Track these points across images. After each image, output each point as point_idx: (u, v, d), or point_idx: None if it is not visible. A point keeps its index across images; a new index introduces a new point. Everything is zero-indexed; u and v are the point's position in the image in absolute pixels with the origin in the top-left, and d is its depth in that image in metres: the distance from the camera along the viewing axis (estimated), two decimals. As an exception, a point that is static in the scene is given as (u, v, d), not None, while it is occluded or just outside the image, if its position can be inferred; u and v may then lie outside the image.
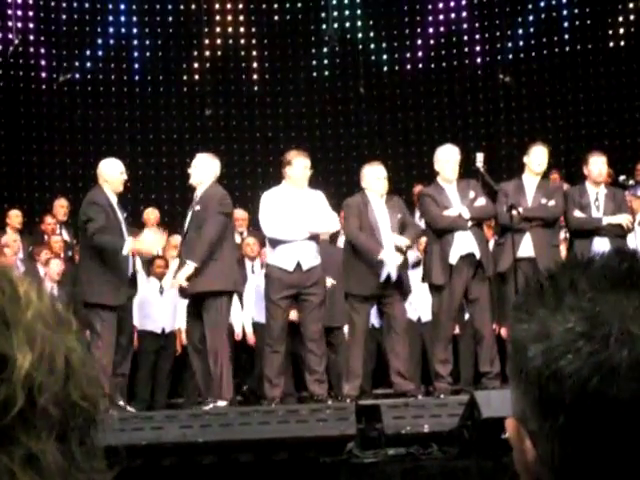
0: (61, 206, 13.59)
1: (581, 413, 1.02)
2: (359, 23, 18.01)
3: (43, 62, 17.23)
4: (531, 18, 17.51)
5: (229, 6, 18.06)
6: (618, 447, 1.01)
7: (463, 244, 9.59)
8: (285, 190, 9.75)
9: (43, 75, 17.25)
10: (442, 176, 9.86)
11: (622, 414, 1.00)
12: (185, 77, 17.88)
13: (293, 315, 10.05)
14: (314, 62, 18.05)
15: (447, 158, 9.84)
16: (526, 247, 9.65)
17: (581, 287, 1.06)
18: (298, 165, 9.70)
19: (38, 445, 0.91)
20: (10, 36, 16.89)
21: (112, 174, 9.67)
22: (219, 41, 17.98)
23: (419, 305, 11.43)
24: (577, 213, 9.99)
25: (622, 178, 13.60)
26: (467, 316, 10.39)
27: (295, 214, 9.51)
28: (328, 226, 9.96)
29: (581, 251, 9.57)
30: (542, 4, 17.54)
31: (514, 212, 9.51)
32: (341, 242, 11.18)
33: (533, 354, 1.06)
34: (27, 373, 0.91)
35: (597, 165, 10.17)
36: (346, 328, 10.57)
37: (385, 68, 17.98)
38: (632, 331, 1.01)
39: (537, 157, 10.01)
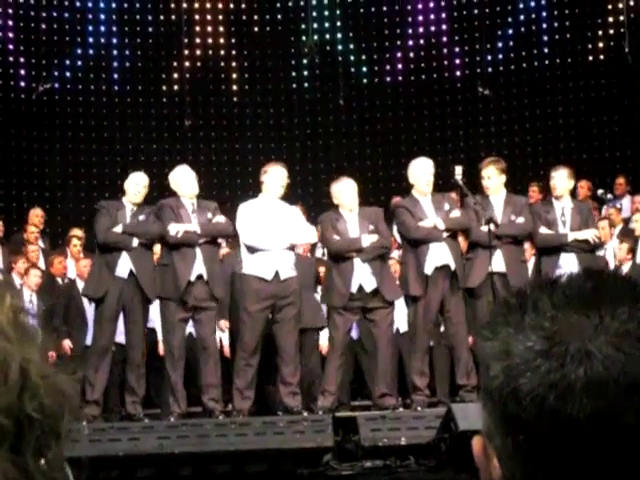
0: (36, 215, 13.54)
1: (539, 431, 1.02)
2: (339, 35, 18.04)
3: (22, 71, 17.14)
4: (511, 31, 17.57)
5: (209, 17, 18.06)
6: (576, 466, 1.01)
7: (438, 255, 9.61)
8: (262, 201, 9.78)
9: (22, 84, 17.17)
10: (416, 189, 9.90)
11: (578, 433, 1.00)
12: (164, 87, 17.83)
13: None
14: (294, 73, 18.06)
15: (422, 171, 9.88)
16: (497, 263, 9.65)
17: (543, 306, 1.06)
18: (274, 173, 9.77)
19: None
20: (-11, 45, 16.82)
21: (127, 186, 10.13)
22: (199, 52, 17.96)
23: (396, 316, 11.39)
24: (543, 230, 9.92)
25: (601, 192, 13.64)
26: (442, 329, 10.38)
27: (274, 224, 9.52)
28: (307, 237, 10.01)
29: (548, 267, 9.63)
30: (522, 17, 17.61)
31: (492, 226, 9.51)
32: (318, 254, 11.17)
33: (495, 372, 1.06)
34: None
35: (554, 180, 10.10)
36: (323, 334, 10.58)
37: (365, 80, 18.00)
38: (589, 350, 1.01)
39: (485, 175, 10.02)
